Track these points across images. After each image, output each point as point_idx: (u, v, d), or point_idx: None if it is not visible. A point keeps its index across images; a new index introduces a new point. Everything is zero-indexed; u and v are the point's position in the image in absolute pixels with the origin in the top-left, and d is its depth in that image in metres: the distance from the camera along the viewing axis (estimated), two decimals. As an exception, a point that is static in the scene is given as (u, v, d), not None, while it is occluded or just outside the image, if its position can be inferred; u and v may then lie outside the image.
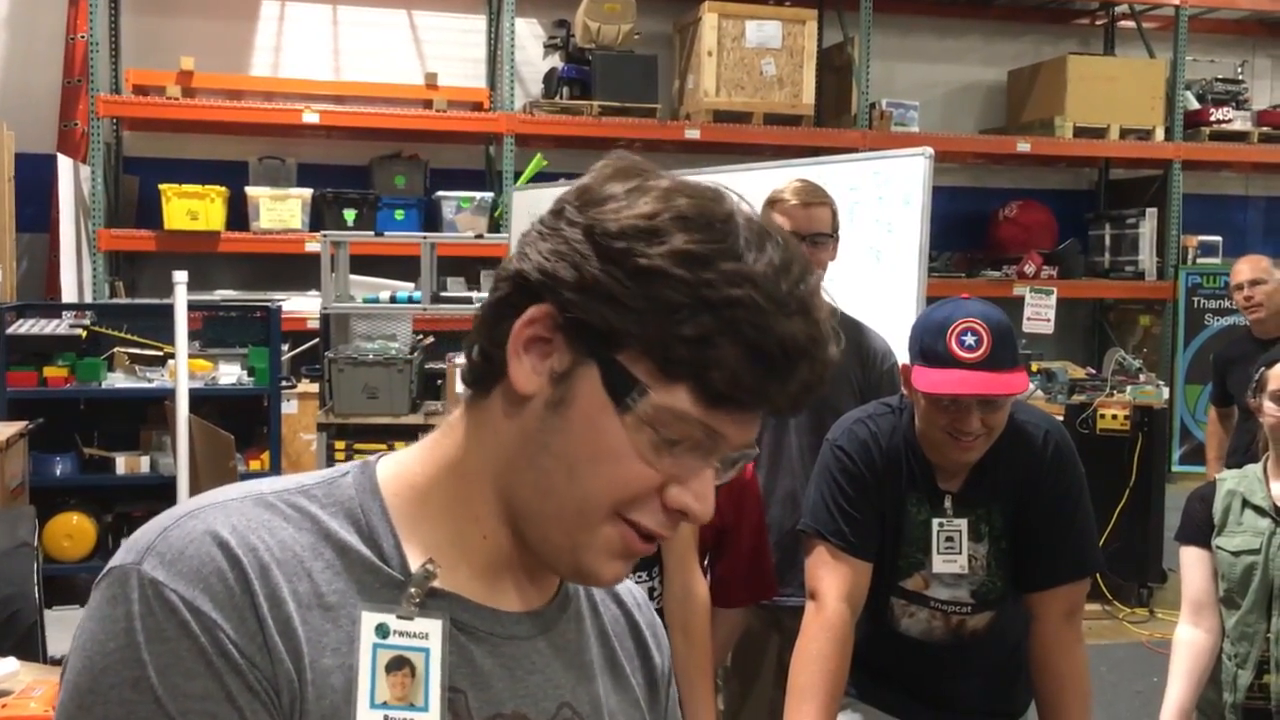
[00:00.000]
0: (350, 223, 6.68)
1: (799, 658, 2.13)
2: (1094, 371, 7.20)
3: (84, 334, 5.17)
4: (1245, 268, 4.73)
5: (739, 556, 2.50)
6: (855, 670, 2.21)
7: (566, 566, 0.88)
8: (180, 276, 4.23)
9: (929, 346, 2.08)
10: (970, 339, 2.04)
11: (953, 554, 2.21)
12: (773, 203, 2.95)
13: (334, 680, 0.81)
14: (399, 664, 0.83)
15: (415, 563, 0.86)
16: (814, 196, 2.94)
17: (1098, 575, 5.73)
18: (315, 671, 0.80)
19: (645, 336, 0.82)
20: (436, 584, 0.86)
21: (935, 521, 2.21)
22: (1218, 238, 8.29)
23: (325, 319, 5.41)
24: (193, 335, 5.02)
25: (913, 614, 2.27)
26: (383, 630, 0.83)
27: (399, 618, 0.84)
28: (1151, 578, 6.00)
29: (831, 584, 2.16)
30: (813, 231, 2.90)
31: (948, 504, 2.21)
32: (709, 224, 0.83)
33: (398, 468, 0.91)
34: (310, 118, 6.63)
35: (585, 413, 0.84)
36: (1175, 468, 7.42)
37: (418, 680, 0.83)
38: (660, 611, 1.07)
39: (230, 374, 5.25)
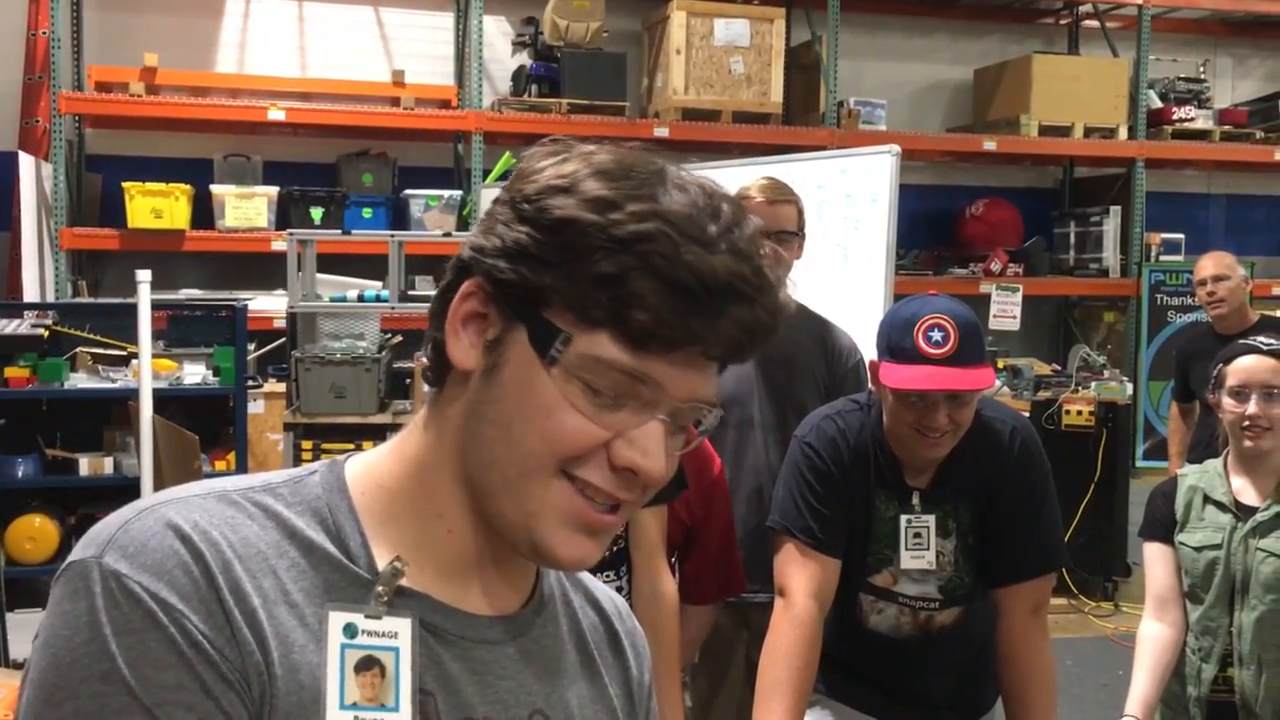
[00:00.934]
0: (317, 221, 6.63)
1: (768, 655, 2.14)
2: (1059, 368, 7.26)
3: (46, 334, 5.11)
4: (1209, 264, 4.79)
5: (708, 554, 2.51)
6: (824, 667, 2.21)
7: (523, 543, 0.86)
8: (143, 275, 4.18)
9: (896, 343, 2.09)
10: (937, 335, 2.05)
11: (920, 550, 2.22)
12: (739, 199, 2.95)
13: (302, 677, 0.79)
14: (368, 664, 0.82)
15: (383, 562, 0.85)
16: (780, 194, 2.95)
17: (1064, 570, 5.78)
18: (283, 667, 0.79)
19: (564, 288, 0.81)
20: (405, 583, 0.85)
21: (903, 518, 2.22)
22: (1180, 235, 8.37)
23: (292, 318, 5.37)
24: (157, 335, 4.97)
25: (881, 610, 2.28)
26: (350, 630, 0.82)
27: (367, 617, 0.83)
28: (1116, 572, 6.06)
29: (800, 581, 2.16)
30: (778, 229, 2.91)
31: (915, 500, 2.22)
32: (625, 174, 0.83)
33: (366, 467, 0.90)
34: (276, 115, 6.57)
35: (516, 374, 0.84)
36: (1139, 463, 7.49)
37: (388, 680, 0.82)
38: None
39: (195, 374, 5.19)
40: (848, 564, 2.23)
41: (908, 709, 2.32)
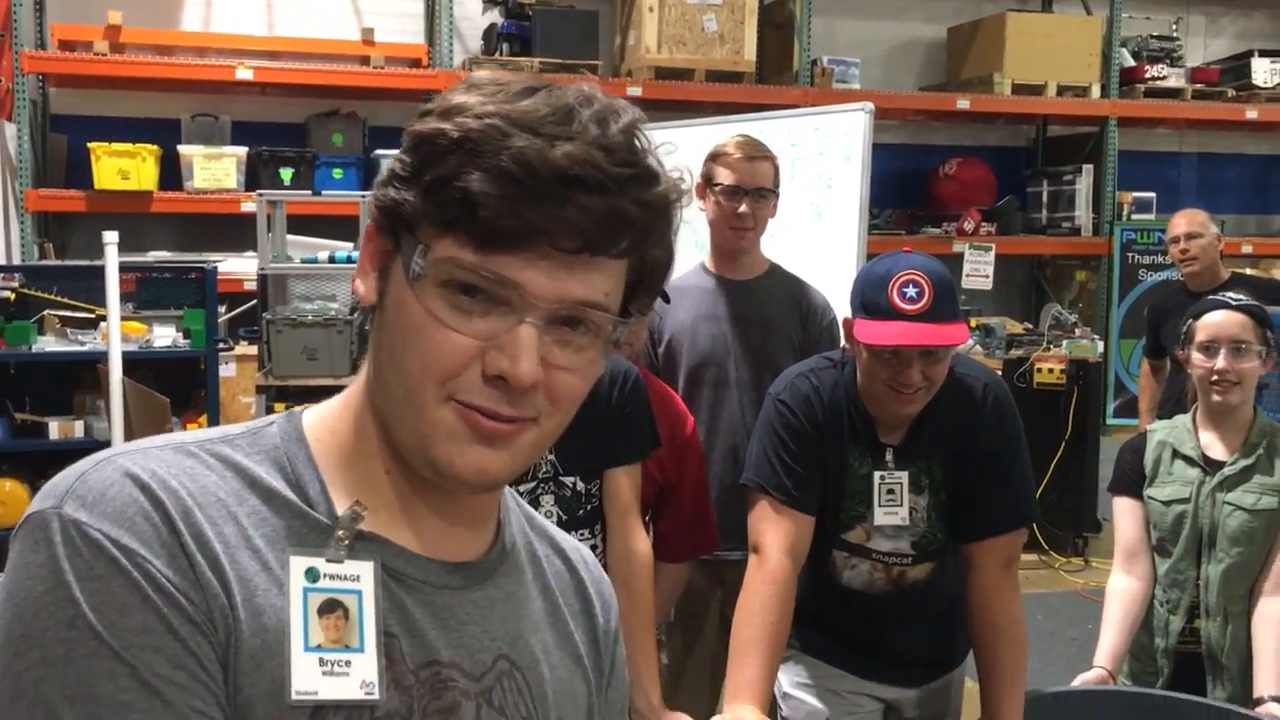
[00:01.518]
0: (287, 182, 6.56)
1: (742, 611, 2.15)
2: (1031, 327, 7.29)
3: (12, 296, 5.04)
4: (1182, 221, 4.81)
5: (681, 512, 2.52)
6: (797, 623, 2.23)
7: (423, 465, 0.86)
8: (110, 236, 4.13)
9: (871, 299, 2.09)
10: (912, 291, 2.05)
11: (894, 506, 2.23)
12: (715, 156, 2.95)
13: (266, 621, 0.79)
14: (331, 607, 0.82)
15: (342, 507, 0.85)
16: (757, 151, 2.94)
17: (1034, 526, 5.85)
18: (247, 611, 0.79)
19: (418, 200, 0.82)
20: (365, 527, 0.85)
21: (876, 474, 2.23)
22: (1152, 194, 8.41)
23: (263, 280, 5.32)
24: (126, 297, 4.92)
25: (854, 566, 2.30)
26: (312, 574, 0.82)
27: (328, 561, 0.83)
28: (1086, 528, 6.13)
29: (774, 537, 2.17)
30: (756, 186, 2.90)
31: (889, 457, 2.23)
32: (491, 84, 0.83)
33: (320, 416, 0.91)
34: (244, 74, 6.48)
35: (394, 298, 0.84)
36: (1110, 420, 7.56)
37: (351, 623, 0.83)
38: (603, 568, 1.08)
39: (165, 336, 5.14)
40: (821, 520, 2.24)
41: (880, 663, 2.35)
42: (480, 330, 0.82)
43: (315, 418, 0.90)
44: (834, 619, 2.35)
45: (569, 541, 1.06)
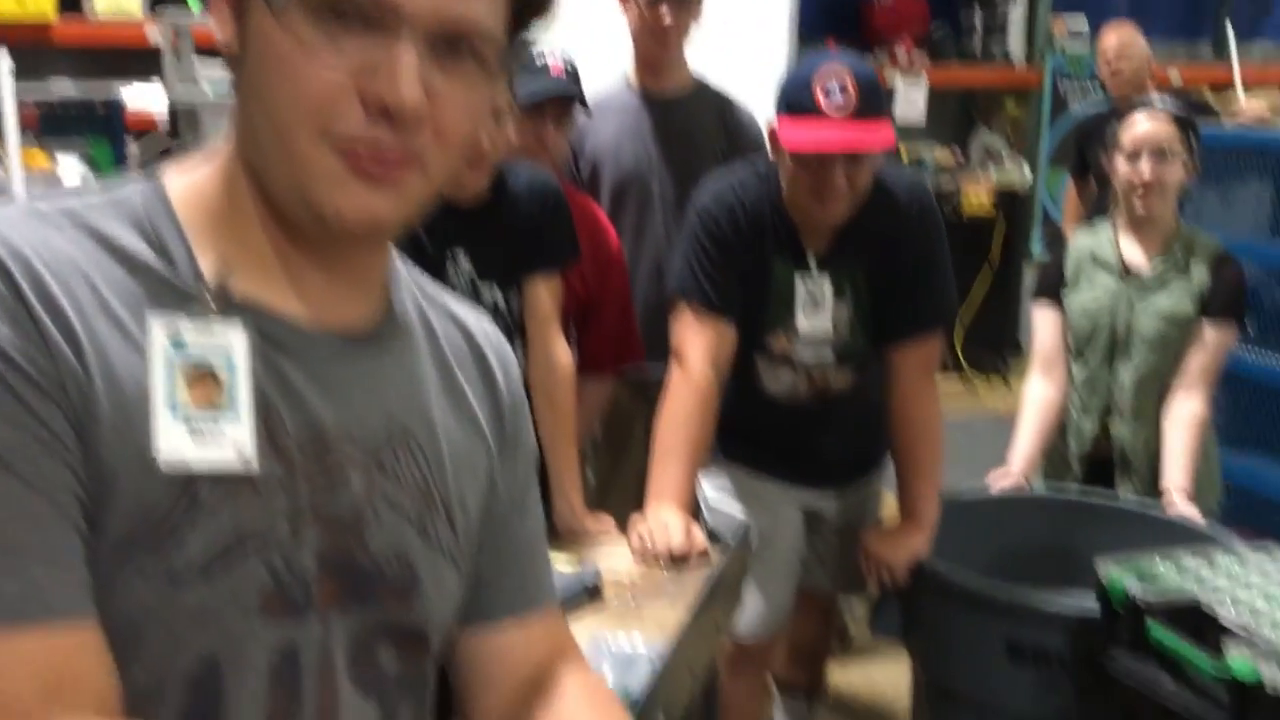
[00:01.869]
0: (195, 9, 6.25)
1: (664, 420, 2.15)
2: (963, 162, 7.27)
3: (-94, 130, 4.79)
4: (1112, 38, 4.76)
5: (604, 325, 2.50)
6: (721, 432, 2.24)
7: (304, 211, 0.80)
8: (3, 61, 3.92)
9: (795, 98, 2.04)
10: (836, 90, 2.00)
11: (817, 313, 2.22)
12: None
13: (126, 387, 0.75)
14: (199, 372, 0.77)
15: (210, 271, 0.80)
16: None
17: (958, 353, 5.96)
18: (103, 377, 0.74)
19: None
20: (239, 296, 0.80)
21: (799, 283, 2.22)
22: (1084, 23, 8.32)
23: (174, 112, 5.09)
24: (29, 134, 4.70)
25: (777, 375, 2.30)
26: (176, 337, 0.77)
27: (194, 322, 0.78)
28: (1009, 354, 6.26)
29: (696, 345, 2.17)
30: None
31: (812, 265, 2.22)
32: None
33: (186, 176, 0.84)
34: (141, -109, 6.09)
35: (257, 34, 0.77)
36: (1037, 256, 7.63)
37: (223, 388, 0.78)
38: (525, 382, 1.05)
39: (71, 169, 4.94)
40: (745, 330, 2.23)
41: (802, 468, 2.37)
42: (354, 55, 0.75)
43: (183, 180, 0.84)
44: (757, 427, 2.36)
45: (468, 311, 1.01)
